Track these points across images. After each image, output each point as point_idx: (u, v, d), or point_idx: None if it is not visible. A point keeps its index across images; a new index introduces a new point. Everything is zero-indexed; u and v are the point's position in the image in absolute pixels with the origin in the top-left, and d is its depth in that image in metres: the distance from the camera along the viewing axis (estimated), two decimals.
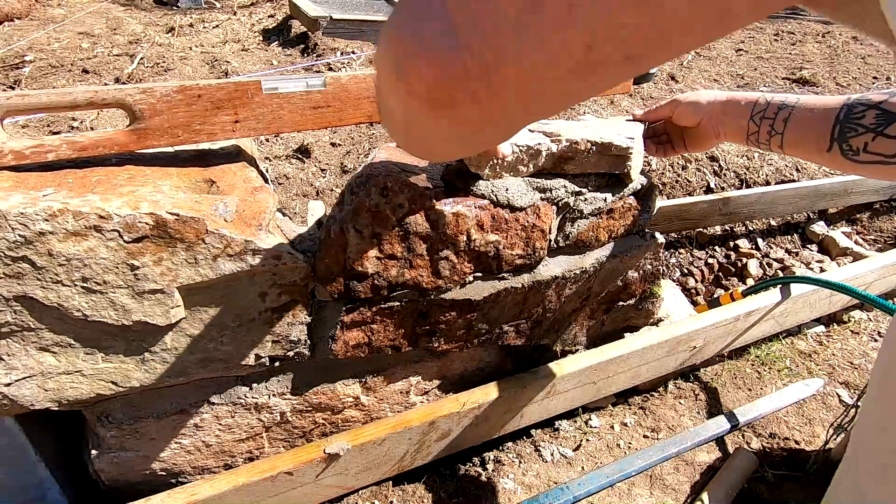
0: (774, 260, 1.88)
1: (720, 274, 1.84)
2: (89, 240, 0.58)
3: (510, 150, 0.75)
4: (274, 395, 0.88)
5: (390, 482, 1.10)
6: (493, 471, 1.15)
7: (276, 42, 3.53)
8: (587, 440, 1.23)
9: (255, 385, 0.86)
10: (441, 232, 0.79)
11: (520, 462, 1.17)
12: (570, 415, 1.27)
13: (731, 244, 1.93)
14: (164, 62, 2.98)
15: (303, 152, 2.23)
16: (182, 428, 0.83)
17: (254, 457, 0.93)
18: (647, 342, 1.17)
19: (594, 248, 1.03)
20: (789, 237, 2.02)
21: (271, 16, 4.06)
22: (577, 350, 1.22)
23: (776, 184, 2.00)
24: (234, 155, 0.78)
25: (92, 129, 2.22)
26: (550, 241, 0.94)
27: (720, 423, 1.26)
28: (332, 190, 2.03)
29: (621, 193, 0.98)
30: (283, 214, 0.90)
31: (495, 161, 0.76)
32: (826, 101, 0.66)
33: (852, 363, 1.51)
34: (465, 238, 0.81)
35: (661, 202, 1.66)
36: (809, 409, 1.36)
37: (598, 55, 0.21)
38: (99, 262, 0.59)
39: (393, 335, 0.88)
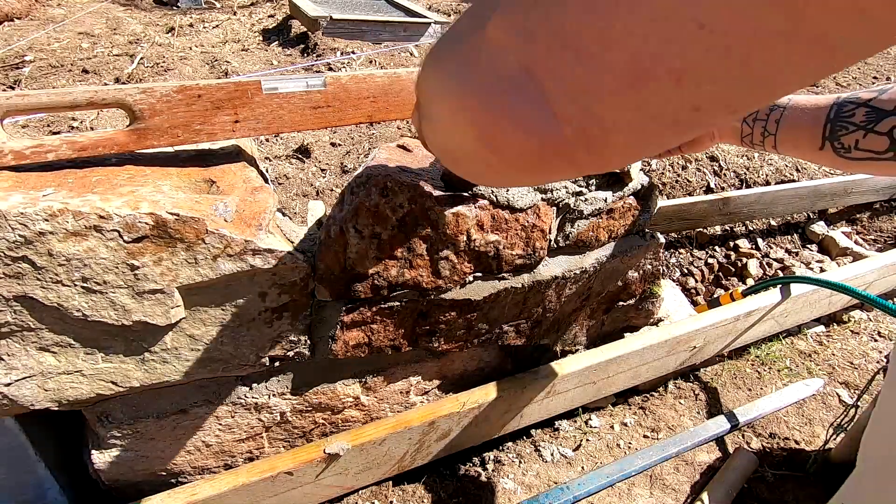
0: (774, 260, 1.88)
1: (720, 274, 1.84)
2: (89, 240, 0.58)
3: None
4: (274, 395, 0.88)
5: (390, 482, 1.10)
6: (493, 471, 1.15)
7: (276, 42, 3.53)
8: (587, 440, 1.23)
9: (255, 385, 0.86)
10: (441, 232, 0.79)
11: (520, 462, 1.17)
12: (570, 415, 1.27)
13: (731, 244, 1.93)
14: (164, 62, 2.98)
15: (303, 152, 2.23)
16: (182, 428, 0.83)
17: (254, 457, 0.93)
18: (647, 342, 1.17)
19: (594, 248, 1.03)
20: (789, 237, 2.02)
21: (271, 16, 4.06)
22: (577, 350, 1.22)
23: (776, 184, 2.00)
24: (234, 155, 0.78)
25: (92, 129, 2.22)
26: (550, 241, 0.94)
27: (720, 423, 1.26)
28: (332, 190, 2.03)
29: (621, 193, 0.98)
30: (283, 214, 0.90)
31: None
32: (817, 100, 0.66)
33: (852, 363, 1.51)
34: (465, 238, 0.81)
35: (661, 202, 1.66)
36: (809, 409, 1.36)
37: (706, 115, 0.21)
38: (99, 262, 0.59)
39: (393, 335, 0.88)
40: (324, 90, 0.73)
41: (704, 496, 1.08)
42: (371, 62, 3.15)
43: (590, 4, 0.19)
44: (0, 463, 0.77)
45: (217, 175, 0.72)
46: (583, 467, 1.17)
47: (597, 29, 0.19)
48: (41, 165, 0.64)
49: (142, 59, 3.00)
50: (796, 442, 1.26)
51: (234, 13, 4.20)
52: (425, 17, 3.76)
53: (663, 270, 1.20)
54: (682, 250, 1.89)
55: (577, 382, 1.14)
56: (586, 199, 0.92)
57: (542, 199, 0.86)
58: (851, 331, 1.64)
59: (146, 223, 0.60)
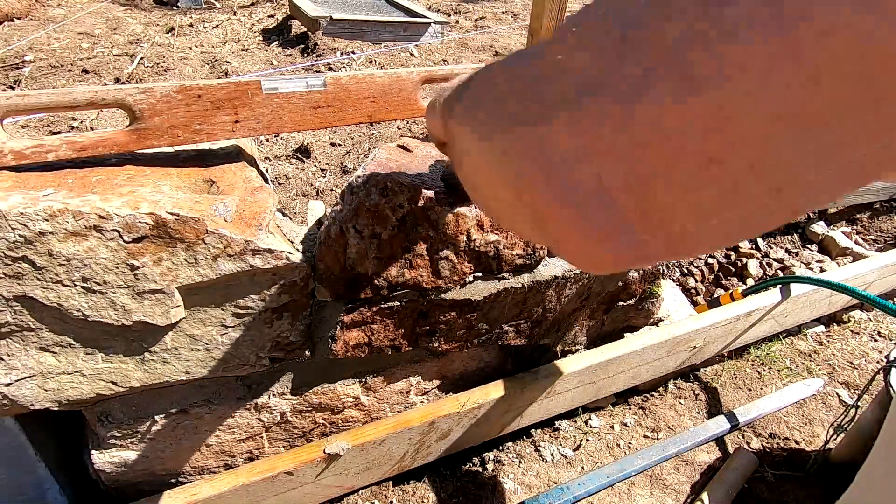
0: (774, 260, 1.88)
1: (720, 274, 1.84)
2: (89, 240, 0.58)
3: None
4: (274, 395, 0.88)
5: (390, 482, 1.10)
6: (493, 471, 1.15)
7: (276, 42, 3.53)
8: (587, 440, 1.23)
9: (255, 385, 0.86)
10: (441, 232, 0.79)
11: (520, 462, 1.17)
12: (570, 415, 1.27)
13: None
14: (164, 62, 2.98)
15: (303, 152, 2.23)
16: (182, 428, 0.83)
17: (254, 457, 0.93)
18: (647, 342, 1.17)
19: None
20: (789, 237, 2.02)
21: (271, 16, 4.06)
22: (577, 350, 1.22)
23: None
24: (234, 155, 0.78)
25: (92, 129, 2.22)
26: None
27: (720, 423, 1.26)
28: (332, 190, 2.03)
29: None
30: (283, 214, 0.90)
31: None
32: None
33: (852, 363, 1.51)
34: (465, 238, 0.81)
35: None
36: (809, 409, 1.36)
37: (778, 219, 0.21)
38: (99, 262, 0.59)
39: (393, 335, 0.88)
40: (324, 90, 0.73)
41: (704, 496, 1.08)
42: (371, 62, 3.15)
43: (684, 115, 0.18)
44: (0, 463, 0.77)
45: (217, 175, 0.72)
46: (583, 467, 1.17)
47: (696, 140, 0.19)
48: (41, 165, 0.64)
49: (142, 59, 3.00)
50: (796, 442, 1.26)
51: (234, 13, 4.20)
52: (425, 17, 3.76)
53: (663, 270, 1.20)
54: None
55: (577, 382, 1.14)
56: None
57: None
58: (851, 331, 1.64)
59: (146, 223, 0.60)
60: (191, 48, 3.30)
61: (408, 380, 1.02)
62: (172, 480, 0.89)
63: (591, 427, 1.27)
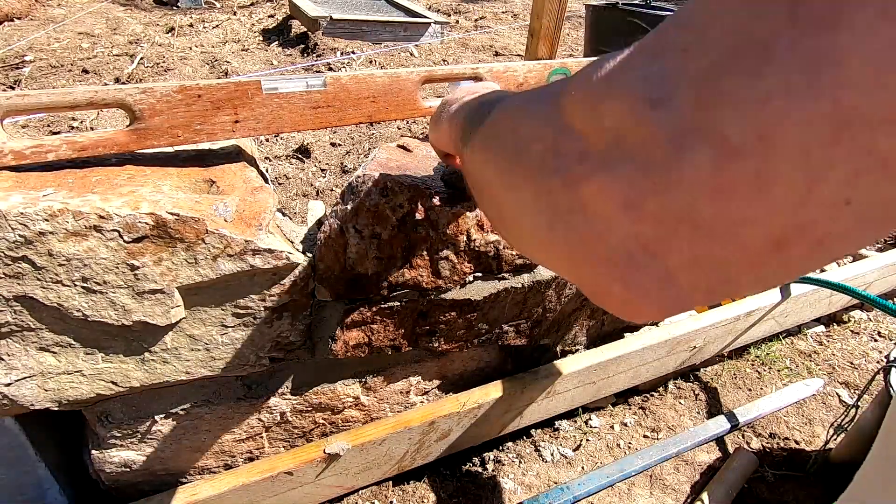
0: None
1: None
2: (89, 240, 0.58)
3: None
4: (274, 395, 0.88)
5: (390, 482, 1.10)
6: (493, 471, 1.15)
7: (276, 42, 3.53)
8: (587, 440, 1.23)
9: (255, 385, 0.86)
10: (441, 232, 0.79)
11: (520, 462, 1.17)
12: (570, 415, 1.27)
13: None
14: (164, 62, 2.98)
15: (303, 152, 2.23)
16: (182, 428, 0.83)
17: (254, 457, 0.93)
18: (647, 342, 1.17)
19: None
20: None
21: (271, 16, 4.07)
22: (577, 350, 1.22)
23: None
24: (234, 155, 0.78)
25: (92, 129, 2.22)
26: None
27: (720, 423, 1.26)
28: (332, 190, 2.03)
29: None
30: (283, 214, 0.90)
31: None
32: None
33: (852, 363, 1.51)
34: (465, 238, 0.81)
35: None
36: (809, 409, 1.36)
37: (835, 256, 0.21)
38: (99, 262, 0.59)
39: (393, 335, 0.88)
40: (324, 90, 0.73)
41: (704, 496, 1.08)
42: (371, 62, 3.15)
43: (721, 185, 0.18)
44: (0, 463, 0.77)
45: (217, 175, 0.72)
46: (583, 467, 1.17)
47: (732, 210, 0.18)
48: (41, 165, 0.64)
49: (142, 59, 3.00)
50: (796, 442, 1.26)
51: (234, 13, 4.20)
52: (425, 17, 3.76)
53: None
54: None
55: (577, 382, 1.14)
56: None
57: None
58: (851, 331, 1.64)
59: (146, 223, 0.60)
60: (191, 48, 3.30)
61: (408, 380, 1.02)
62: (172, 480, 0.89)
63: (591, 427, 1.27)
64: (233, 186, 0.71)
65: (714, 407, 1.35)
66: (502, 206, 0.31)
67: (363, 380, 0.95)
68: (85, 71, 2.82)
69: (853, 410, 1.13)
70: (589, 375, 1.14)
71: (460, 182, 0.78)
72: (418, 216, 0.75)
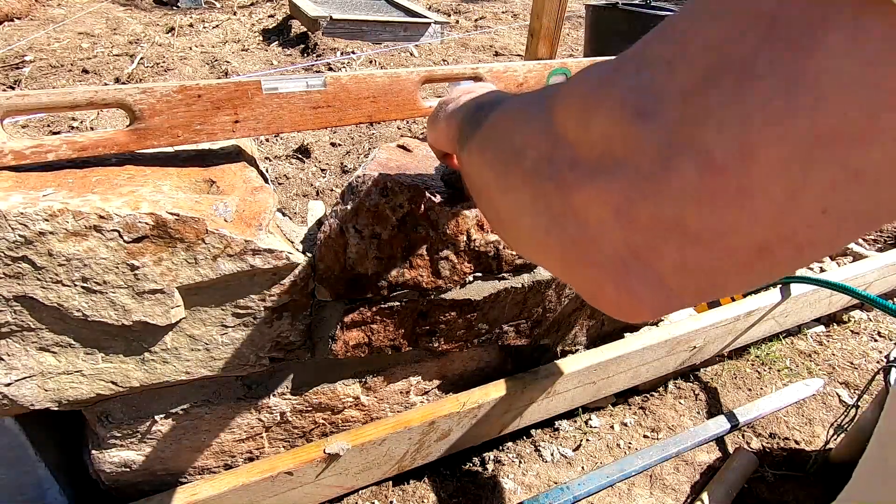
0: None
1: None
2: (89, 240, 0.58)
3: None
4: (274, 395, 0.88)
5: (390, 482, 1.10)
6: (493, 471, 1.15)
7: (276, 42, 3.53)
8: (587, 440, 1.23)
9: (255, 385, 0.86)
10: (441, 232, 0.79)
11: (520, 462, 1.17)
12: (570, 415, 1.27)
13: None
14: (164, 62, 2.98)
15: (303, 152, 2.23)
16: (182, 428, 0.83)
17: (254, 457, 0.93)
18: (647, 342, 1.17)
19: None
20: None
21: (271, 16, 4.07)
22: (577, 350, 1.22)
23: None
24: (234, 155, 0.78)
25: (92, 129, 2.22)
26: None
27: (720, 423, 1.26)
28: (332, 190, 2.03)
29: None
30: (283, 214, 0.90)
31: None
32: None
33: (852, 363, 1.51)
34: (465, 238, 0.81)
35: None
36: (809, 409, 1.36)
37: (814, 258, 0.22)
38: (99, 262, 0.59)
39: (393, 335, 0.88)
40: (324, 90, 0.73)
41: (704, 496, 1.08)
42: (371, 62, 3.15)
43: (707, 197, 0.19)
44: (0, 463, 0.77)
45: (217, 175, 0.72)
46: (583, 467, 1.17)
47: (717, 220, 0.19)
48: (41, 165, 0.64)
49: (142, 59, 3.00)
50: (796, 442, 1.26)
51: (234, 13, 4.20)
52: (425, 17, 3.76)
53: None
54: None
55: (577, 382, 1.14)
56: None
57: None
58: (851, 331, 1.64)
59: (146, 223, 0.60)
60: (191, 48, 3.30)
61: (408, 380, 1.02)
62: (172, 480, 0.89)
63: (591, 427, 1.27)
64: (233, 186, 0.71)
65: (714, 407, 1.35)
66: (500, 209, 0.32)
67: (363, 380, 0.95)
68: (85, 71, 2.82)
69: (853, 410, 1.13)
70: (589, 375, 1.14)
71: (460, 182, 0.78)
72: (418, 216, 0.76)
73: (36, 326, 0.61)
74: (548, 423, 1.25)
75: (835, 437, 1.18)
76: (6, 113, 0.59)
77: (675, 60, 0.20)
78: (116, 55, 3.07)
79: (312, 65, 3.06)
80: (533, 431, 1.24)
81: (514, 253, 0.89)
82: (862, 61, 0.15)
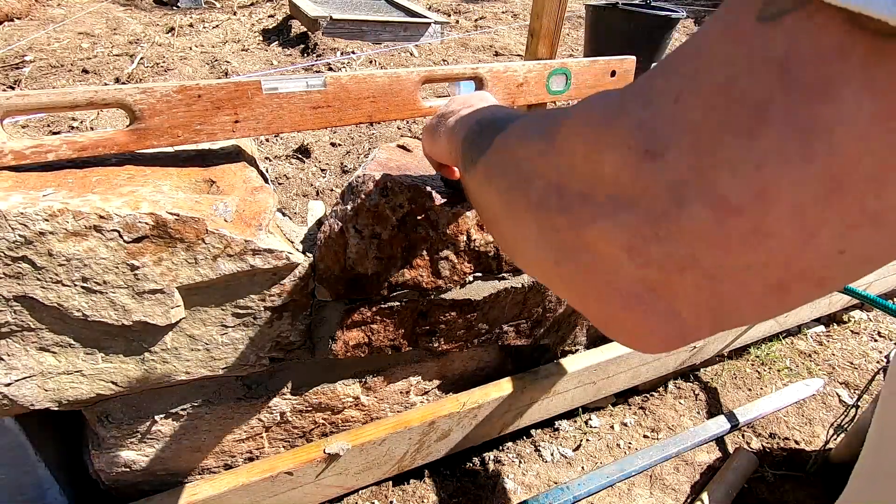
0: None
1: None
2: (89, 240, 0.58)
3: None
4: (274, 395, 0.88)
5: (390, 482, 1.10)
6: (493, 471, 1.15)
7: (276, 42, 3.53)
8: (587, 440, 1.23)
9: (255, 385, 0.86)
10: (441, 232, 0.79)
11: (520, 462, 1.17)
12: (570, 415, 1.27)
13: None
14: (164, 62, 2.98)
15: (303, 152, 2.23)
16: (182, 428, 0.83)
17: (254, 457, 0.93)
18: None
19: None
20: None
21: (271, 16, 4.07)
22: (577, 350, 1.22)
23: None
24: (234, 155, 0.78)
25: (92, 129, 2.22)
26: None
27: (720, 423, 1.26)
28: (332, 190, 2.03)
29: None
30: (283, 214, 0.90)
31: None
32: None
33: (852, 363, 1.51)
34: (465, 238, 0.81)
35: None
36: (809, 409, 1.36)
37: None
38: (99, 262, 0.59)
39: (393, 335, 0.88)
40: (324, 90, 0.73)
41: (704, 496, 1.08)
42: (371, 62, 3.15)
43: (722, 238, 0.19)
44: (0, 463, 0.77)
45: (217, 175, 0.72)
46: (583, 467, 1.17)
47: (732, 259, 0.19)
48: (41, 165, 0.64)
49: (142, 59, 3.00)
50: (796, 442, 1.26)
51: (234, 13, 4.20)
52: (425, 17, 3.76)
53: None
54: None
55: (577, 382, 1.14)
56: None
57: None
58: (851, 331, 1.64)
59: (146, 223, 0.60)
60: (191, 48, 3.30)
61: (408, 380, 1.02)
62: (172, 480, 0.89)
63: (591, 427, 1.27)
64: (233, 186, 0.71)
65: (714, 407, 1.35)
66: (505, 233, 0.32)
67: (363, 380, 0.95)
68: (85, 71, 2.82)
69: (853, 410, 1.13)
70: (589, 375, 1.14)
71: (460, 182, 0.78)
72: (418, 216, 0.76)
73: (36, 326, 0.61)
74: (548, 423, 1.25)
75: (835, 437, 1.18)
76: (6, 113, 0.59)
77: (682, 97, 0.19)
78: (116, 55, 3.07)
79: (312, 65, 3.06)
80: (533, 431, 1.24)
81: None
82: (873, 112, 0.15)
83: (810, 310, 1.50)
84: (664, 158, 0.19)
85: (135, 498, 0.85)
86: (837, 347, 1.57)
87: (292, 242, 0.75)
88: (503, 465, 1.16)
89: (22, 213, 0.54)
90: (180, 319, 0.68)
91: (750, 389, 1.41)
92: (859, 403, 1.13)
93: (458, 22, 4.37)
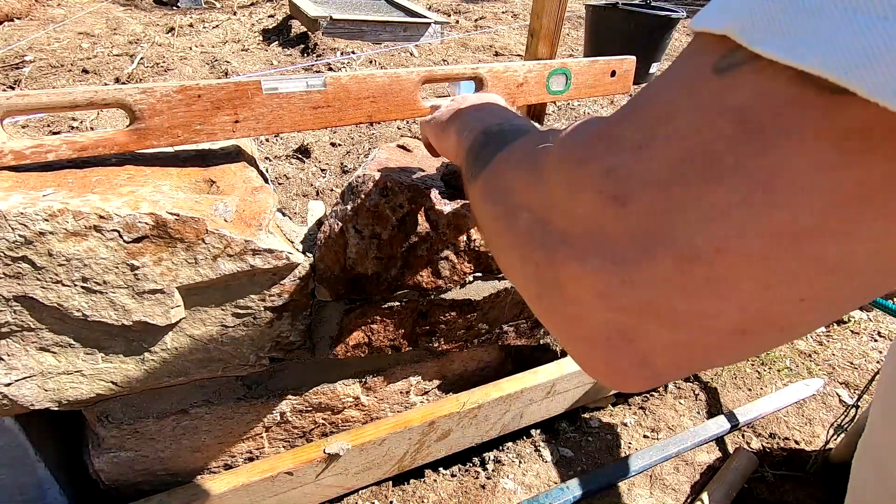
0: None
1: None
2: (89, 240, 0.58)
3: None
4: (274, 394, 0.88)
5: (390, 482, 1.10)
6: (493, 471, 1.15)
7: (276, 42, 3.53)
8: (587, 440, 1.23)
9: (254, 385, 0.86)
10: (441, 232, 0.79)
11: (520, 462, 1.17)
12: (570, 415, 1.27)
13: None
14: (164, 62, 2.98)
15: (303, 152, 2.23)
16: (182, 428, 0.83)
17: (254, 457, 0.93)
18: None
19: None
20: None
21: (271, 16, 4.06)
22: None
23: None
24: (234, 155, 0.78)
25: (92, 129, 2.22)
26: None
27: (720, 423, 1.26)
28: (332, 190, 2.03)
29: None
30: (283, 214, 0.90)
31: None
32: None
33: (852, 363, 1.51)
34: (465, 238, 0.81)
35: None
36: (809, 409, 1.36)
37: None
38: (99, 262, 0.59)
39: (393, 335, 0.88)
40: (324, 90, 0.73)
41: (704, 496, 1.08)
42: (371, 62, 3.15)
43: (683, 285, 0.19)
44: (0, 463, 0.77)
45: (217, 175, 0.72)
46: (583, 467, 1.17)
47: (695, 305, 0.19)
48: (41, 165, 0.64)
49: (142, 59, 3.00)
50: (796, 442, 1.26)
51: (234, 13, 4.20)
52: (425, 17, 3.76)
53: None
54: None
55: (577, 382, 1.14)
56: None
57: None
58: (851, 331, 1.64)
59: (146, 223, 0.60)
60: (191, 48, 3.30)
61: (408, 380, 1.02)
62: (172, 480, 0.89)
63: (590, 427, 1.27)
64: (233, 186, 0.71)
65: (714, 407, 1.35)
66: (498, 254, 0.33)
67: (363, 380, 0.95)
68: (85, 71, 2.82)
69: (853, 410, 1.13)
70: None
71: (460, 182, 0.78)
72: (418, 216, 0.76)
73: (36, 326, 0.61)
74: (548, 423, 1.25)
75: (835, 437, 1.18)
76: (6, 113, 0.59)
77: (644, 144, 0.20)
78: (116, 55, 3.07)
79: (312, 65, 3.06)
80: (533, 431, 1.24)
81: None
82: (828, 163, 0.15)
83: None
84: (628, 207, 0.20)
85: (135, 498, 0.85)
86: (837, 347, 1.57)
87: (292, 242, 0.75)
88: (503, 465, 1.16)
89: (22, 213, 0.54)
90: (180, 319, 0.68)
91: (750, 389, 1.41)
92: (859, 403, 1.13)
93: (458, 22, 4.37)
